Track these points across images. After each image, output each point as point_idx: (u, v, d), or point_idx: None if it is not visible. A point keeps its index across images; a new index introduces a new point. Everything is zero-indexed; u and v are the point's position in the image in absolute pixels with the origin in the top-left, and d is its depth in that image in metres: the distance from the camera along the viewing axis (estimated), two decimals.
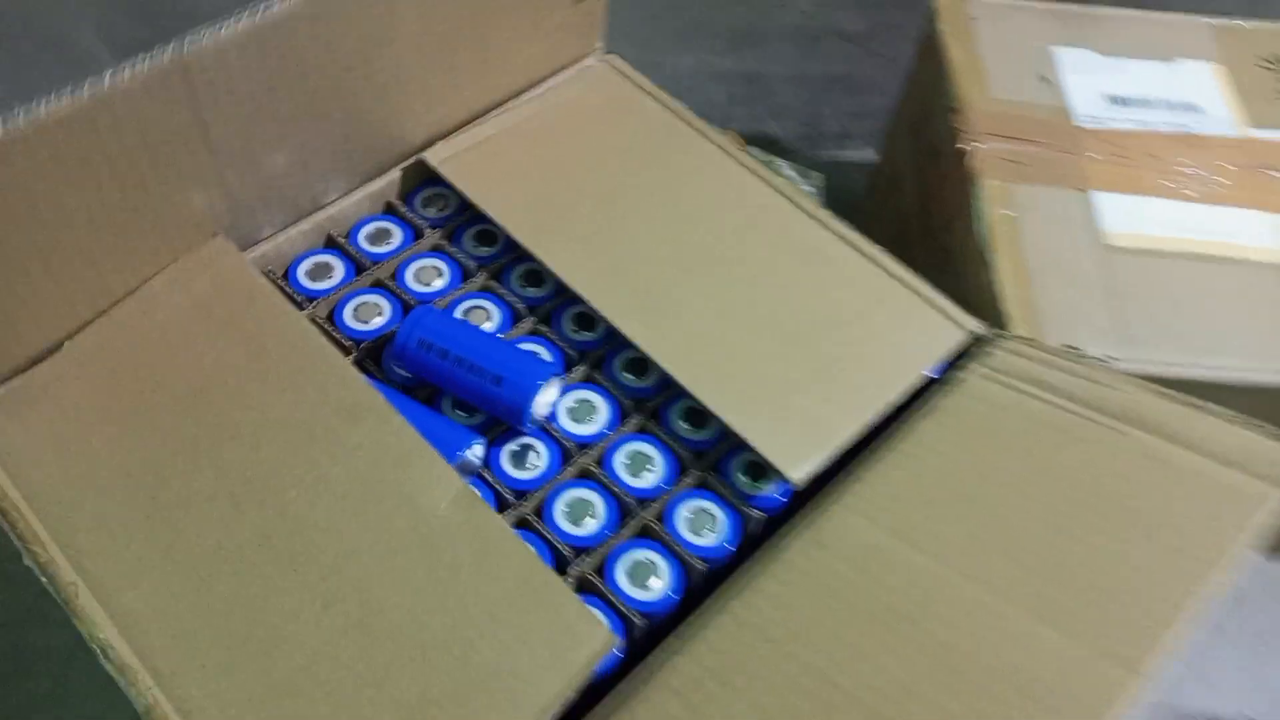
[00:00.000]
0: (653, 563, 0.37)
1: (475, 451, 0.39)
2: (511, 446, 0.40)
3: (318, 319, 0.42)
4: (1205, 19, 0.58)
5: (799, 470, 0.37)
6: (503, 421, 0.40)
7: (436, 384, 0.40)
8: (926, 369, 0.41)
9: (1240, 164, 0.51)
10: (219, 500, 0.35)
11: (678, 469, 0.40)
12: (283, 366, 0.38)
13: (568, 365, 0.43)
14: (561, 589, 0.33)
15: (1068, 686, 0.29)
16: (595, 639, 0.32)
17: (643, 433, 0.41)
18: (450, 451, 0.37)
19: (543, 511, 0.38)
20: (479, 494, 0.36)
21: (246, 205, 0.41)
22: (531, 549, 0.34)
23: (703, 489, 0.40)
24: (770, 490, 0.39)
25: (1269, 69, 0.55)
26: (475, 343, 0.40)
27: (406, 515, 0.34)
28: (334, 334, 0.42)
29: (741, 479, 0.40)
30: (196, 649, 0.32)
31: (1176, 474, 0.35)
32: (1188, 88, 0.54)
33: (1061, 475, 0.36)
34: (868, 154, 0.70)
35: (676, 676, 0.32)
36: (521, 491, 0.39)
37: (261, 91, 0.37)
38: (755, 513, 0.38)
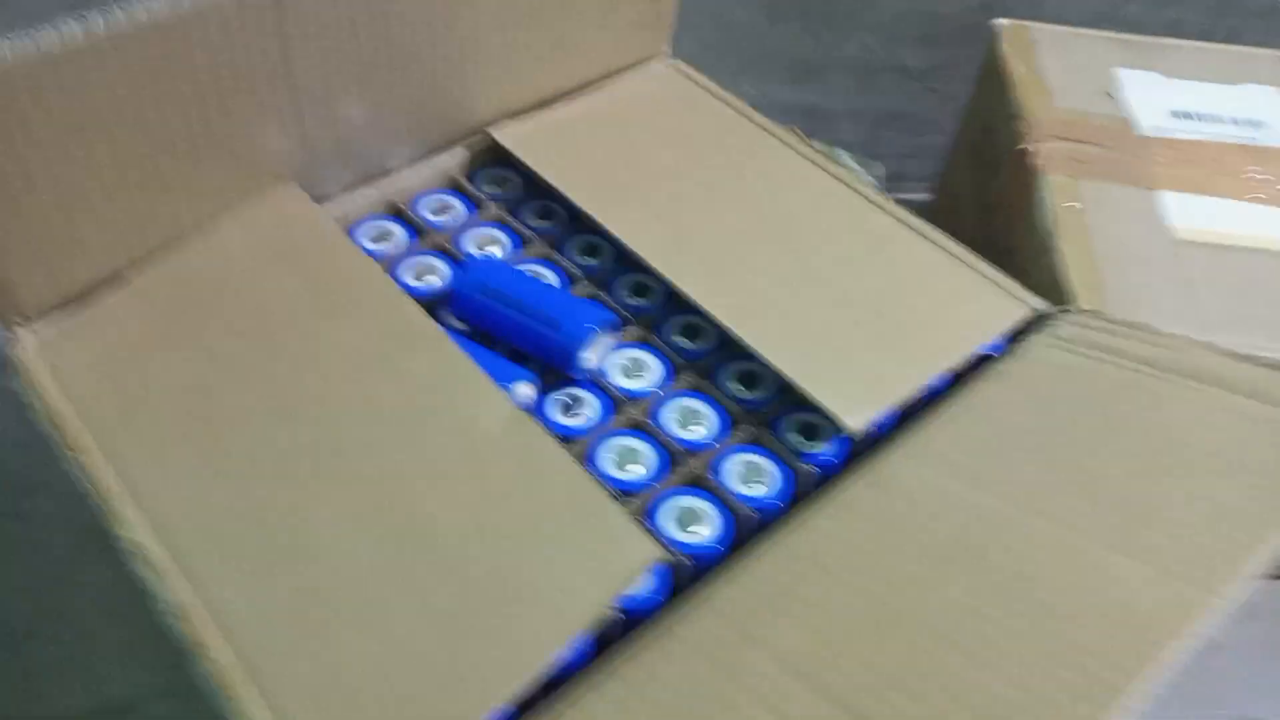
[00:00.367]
0: (700, 510, 0.36)
1: (523, 389, 0.38)
2: (561, 396, 0.39)
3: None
4: (1272, 50, 0.58)
5: (855, 418, 0.36)
6: (555, 370, 0.40)
7: (492, 331, 0.40)
8: (988, 342, 0.40)
9: None
10: (267, 417, 0.35)
11: (729, 426, 0.39)
12: (343, 300, 0.38)
13: (623, 327, 0.42)
14: (608, 506, 0.32)
15: (1142, 605, 0.27)
16: (638, 555, 0.31)
17: (695, 390, 0.40)
18: (500, 385, 0.37)
19: (589, 457, 0.37)
20: (532, 417, 0.35)
21: (319, 155, 0.42)
22: (581, 470, 0.33)
23: (755, 444, 0.38)
24: (825, 449, 0.38)
25: None
26: (531, 288, 0.40)
27: (456, 435, 0.34)
28: None
29: (795, 437, 0.39)
30: (233, 553, 0.32)
31: (1252, 423, 0.33)
32: (1253, 107, 0.54)
33: (1134, 426, 0.34)
34: (921, 195, 0.70)
35: (723, 602, 0.31)
36: (569, 438, 0.38)
37: (346, 29, 0.39)
38: (807, 468, 0.37)
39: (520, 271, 0.42)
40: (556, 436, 0.38)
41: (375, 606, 0.30)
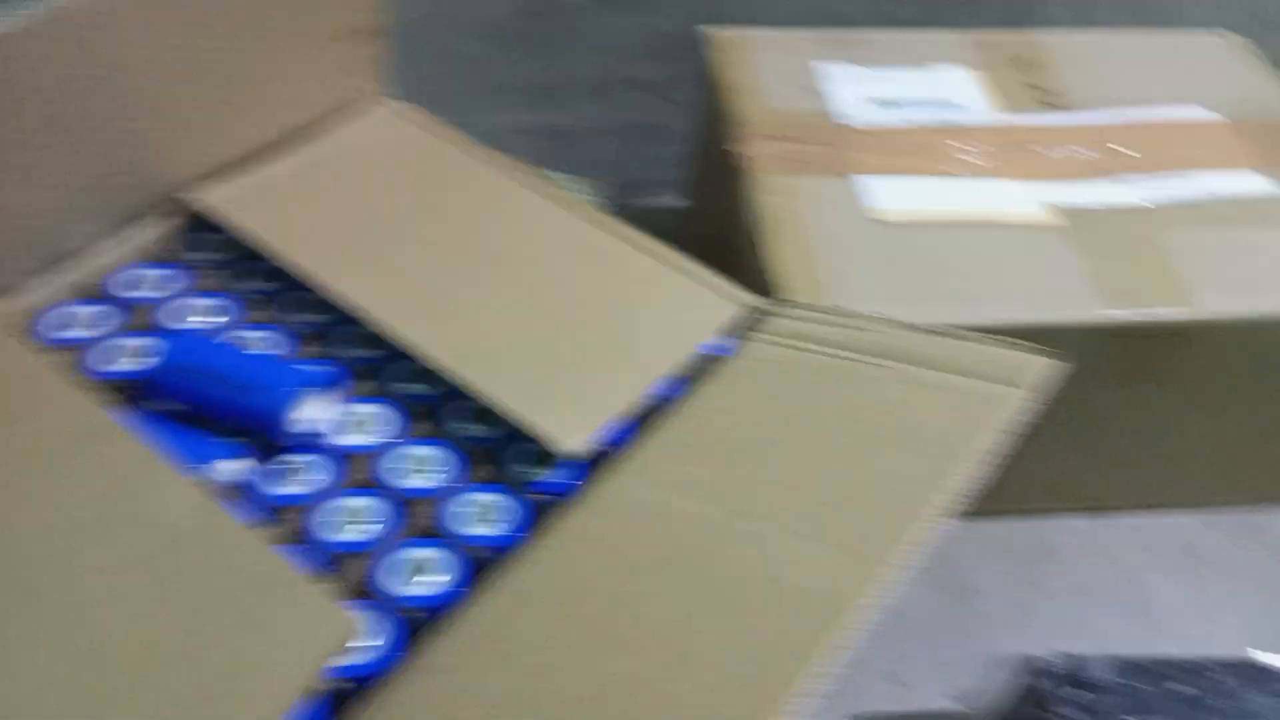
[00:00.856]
0: (431, 559, 0.35)
1: (230, 467, 0.36)
2: (275, 465, 0.38)
3: (72, 365, 0.40)
4: (961, 32, 0.62)
5: (573, 439, 0.36)
6: (272, 439, 0.38)
7: (199, 408, 0.38)
8: (703, 342, 0.41)
9: (998, 144, 0.53)
10: None
11: (467, 467, 0.39)
12: (16, 403, 0.35)
13: (351, 381, 0.41)
14: (303, 586, 0.31)
15: (820, 587, 0.29)
16: (337, 631, 0.30)
17: (428, 437, 0.40)
18: (199, 467, 0.35)
19: (313, 523, 0.36)
20: (220, 504, 0.33)
21: None
22: (274, 552, 0.32)
23: (491, 482, 0.38)
24: (559, 475, 0.38)
25: (1019, 67, 0.59)
26: (231, 358, 0.38)
27: (138, 534, 0.32)
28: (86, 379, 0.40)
29: (529, 468, 0.38)
30: None
31: (928, 391, 0.35)
32: (946, 88, 0.57)
33: (830, 412, 0.36)
34: (674, 202, 0.72)
35: (436, 655, 0.30)
36: (288, 508, 0.37)
37: (6, 106, 0.36)
38: (544, 498, 0.37)
39: (220, 343, 0.40)
40: (274, 507, 0.36)
41: None
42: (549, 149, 0.70)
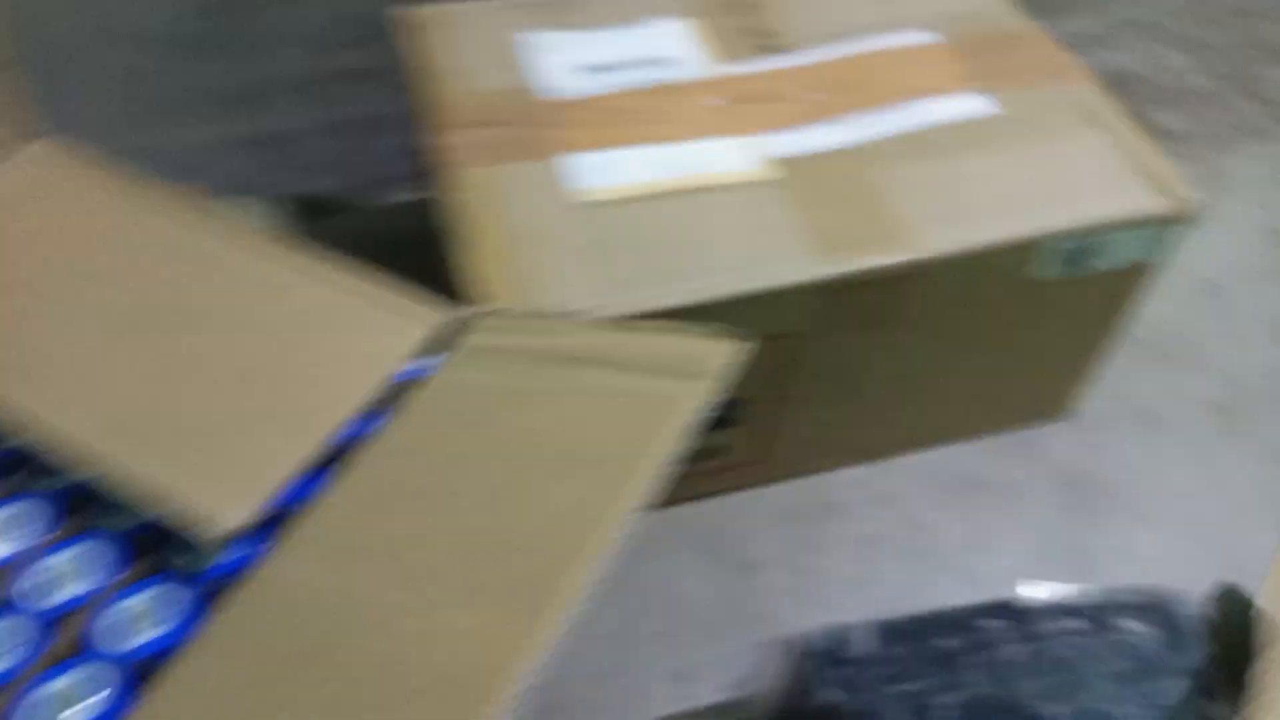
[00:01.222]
0: (82, 683, 0.31)
1: None
2: None
3: None
4: None
5: (230, 517, 0.32)
6: None
7: None
8: (394, 370, 0.37)
9: (713, 99, 0.51)
10: None
11: (129, 560, 0.34)
12: None
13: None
14: None
15: (466, 661, 0.26)
16: None
17: (82, 533, 0.35)
18: None
19: None
20: None
21: None
22: None
23: (151, 578, 0.33)
24: (238, 549, 0.34)
25: (734, 11, 0.56)
26: None
27: None
28: None
29: (200, 552, 0.34)
30: None
31: (609, 400, 0.33)
32: (658, 44, 0.54)
33: (508, 440, 0.33)
34: (421, 194, 0.67)
35: None
36: None
37: None
38: (219, 583, 0.33)
39: None
40: None
41: None
42: (264, 158, 0.64)
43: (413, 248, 0.45)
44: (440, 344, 0.38)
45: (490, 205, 0.44)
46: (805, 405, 0.51)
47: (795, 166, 0.47)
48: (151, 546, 0.34)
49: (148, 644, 0.32)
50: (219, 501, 0.33)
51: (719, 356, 0.33)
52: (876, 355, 0.49)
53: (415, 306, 0.39)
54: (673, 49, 0.54)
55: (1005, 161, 0.49)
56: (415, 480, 0.32)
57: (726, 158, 0.48)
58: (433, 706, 0.25)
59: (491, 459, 0.33)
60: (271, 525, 0.34)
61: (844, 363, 0.49)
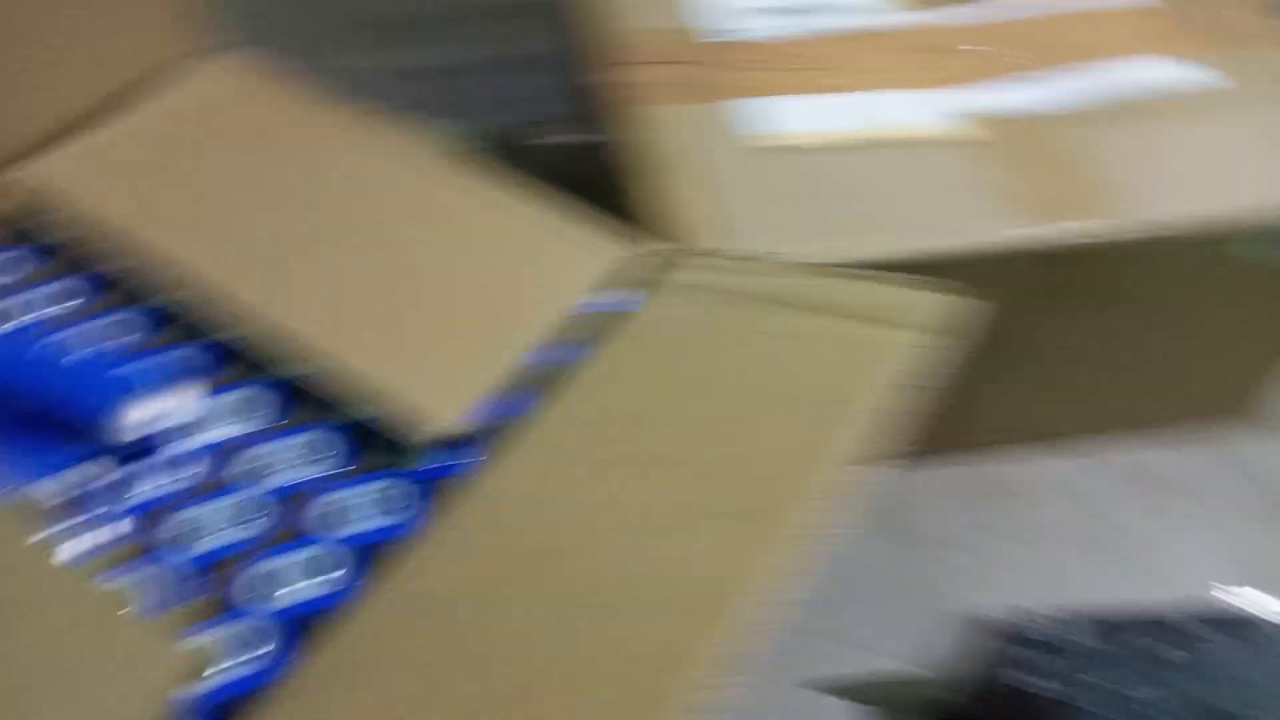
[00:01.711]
0: (314, 559, 0.31)
1: (70, 477, 0.32)
2: (134, 467, 0.33)
3: None
4: None
5: (438, 422, 0.32)
6: (106, 447, 0.34)
7: (31, 414, 0.34)
8: (578, 300, 0.37)
9: (900, 49, 0.49)
10: None
11: (350, 453, 0.34)
12: None
13: (218, 367, 0.37)
14: (130, 624, 0.27)
15: (712, 573, 0.26)
16: (174, 667, 0.26)
17: (306, 423, 0.35)
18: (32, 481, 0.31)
19: (178, 530, 0.32)
20: (38, 535, 0.29)
21: None
22: (98, 585, 0.28)
23: (377, 471, 0.34)
24: (452, 455, 0.34)
25: None
26: (41, 371, 0.34)
27: None
28: None
29: (420, 451, 0.34)
30: None
31: (818, 342, 0.33)
32: None
33: (730, 372, 0.33)
34: (575, 137, 0.66)
35: (317, 666, 0.27)
36: (155, 510, 0.32)
37: None
38: (440, 482, 0.33)
39: (33, 351, 0.36)
40: (136, 517, 0.32)
41: None
42: (422, 91, 0.64)
43: (573, 188, 0.45)
44: (630, 278, 0.38)
45: (673, 144, 0.43)
46: (989, 378, 0.48)
47: (990, 125, 0.45)
48: (373, 442, 0.35)
49: (370, 533, 0.32)
50: (426, 406, 0.33)
51: (930, 309, 0.32)
52: (1064, 330, 0.47)
53: (599, 239, 0.39)
54: None
55: (1215, 131, 0.46)
56: (632, 407, 0.32)
57: (914, 111, 0.46)
58: (666, 619, 0.25)
59: (706, 392, 0.33)
60: (482, 439, 0.34)
61: (1029, 336, 0.46)
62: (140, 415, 0.33)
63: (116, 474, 0.33)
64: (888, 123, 0.45)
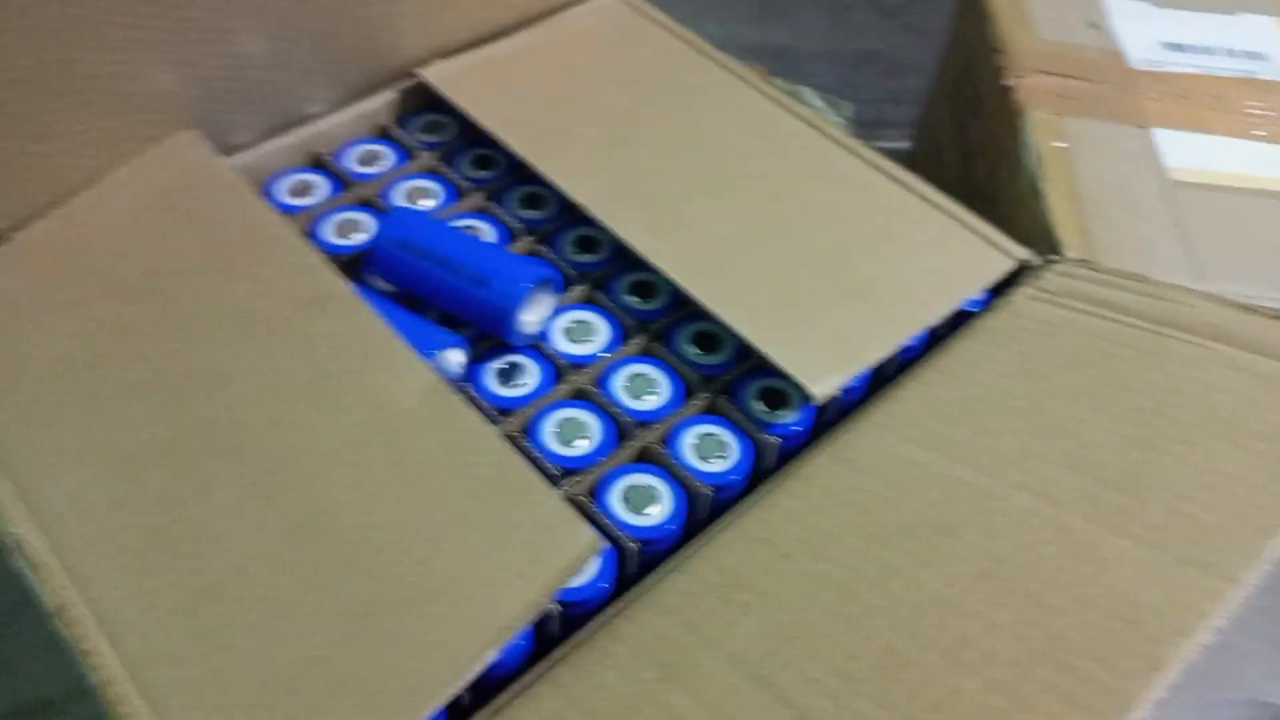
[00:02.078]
0: (652, 488, 0.32)
1: (453, 357, 0.34)
2: (498, 363, 0.35)
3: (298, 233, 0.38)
4: None
5: (822, 385, 0.33)
6: (490, 335, 0.36)
7: (419, 292, 0.36)
8: (969, 297, 0.36)
9: None
10: (158, 392, 0.31)
11: (684, 394, 0.35)
12: (244, 259, 0.34)
13: (567, 286, 0.38)
14: (541, 489, 0.29)
15: (1144, 595, 0.24)
16: (577, 544, 0.27)
17: (646, 355, 0.36)
18: (425, 352, 0.33)
19: (530, 430, 0.34)
20: (453, 389, 0.31)
21: (219, 94, 0.37)
22: (509, 447, 0.30)
23: (712, 414, 0.35)
24: (788, 418, 0.34)
25: None
26: (459, 243, 0.36)
27: (368, 409, 0.30)
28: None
29: (756, 406, 0.35)
30: (119, 547, 0.28)
31: (1258, 380, 0.30)
32: (1250, 38, 0.50)
33: (1131, 387, 0.30)
34: (900, 143, 0.66)
35: (671, 594, 0.27)
36: (507, 410, 0.34)
37: None
38: (771, 439, 0.34)
39: (448, 225, 0.38)
40: (493, 409, 0.34)
41: (277, 606, 0.27)
42: (771, 69, 0.65)
43: None
44: (1010, 283, 0.37)
45: (1066, 156, 0.43)
46: None
47: None
48: (706, 387, 0.35)
49: (708, 473, 0.33)
50: (809, 367, 0.33)
51: None
52: None
53: (998, 236, 0.38)
54: (1265, 46, 0.50)
55: None
56: (1011, 398, 0.31)
57: None
58: (1088, 637, 0.24)
59: (1096, 398, 0.30)
60: (815, 410, 0.34)
61: None
62: (534, 313, 0.35)
63: (501, 363, 0.35)
64: None
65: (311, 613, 0.26)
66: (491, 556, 0.27)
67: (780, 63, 0.66)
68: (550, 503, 0.28)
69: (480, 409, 0.34)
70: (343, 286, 0.33)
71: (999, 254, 0.37)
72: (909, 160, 0.63)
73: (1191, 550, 0.25)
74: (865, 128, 0.67)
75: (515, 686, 0.26)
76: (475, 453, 0.29)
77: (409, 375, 0.30)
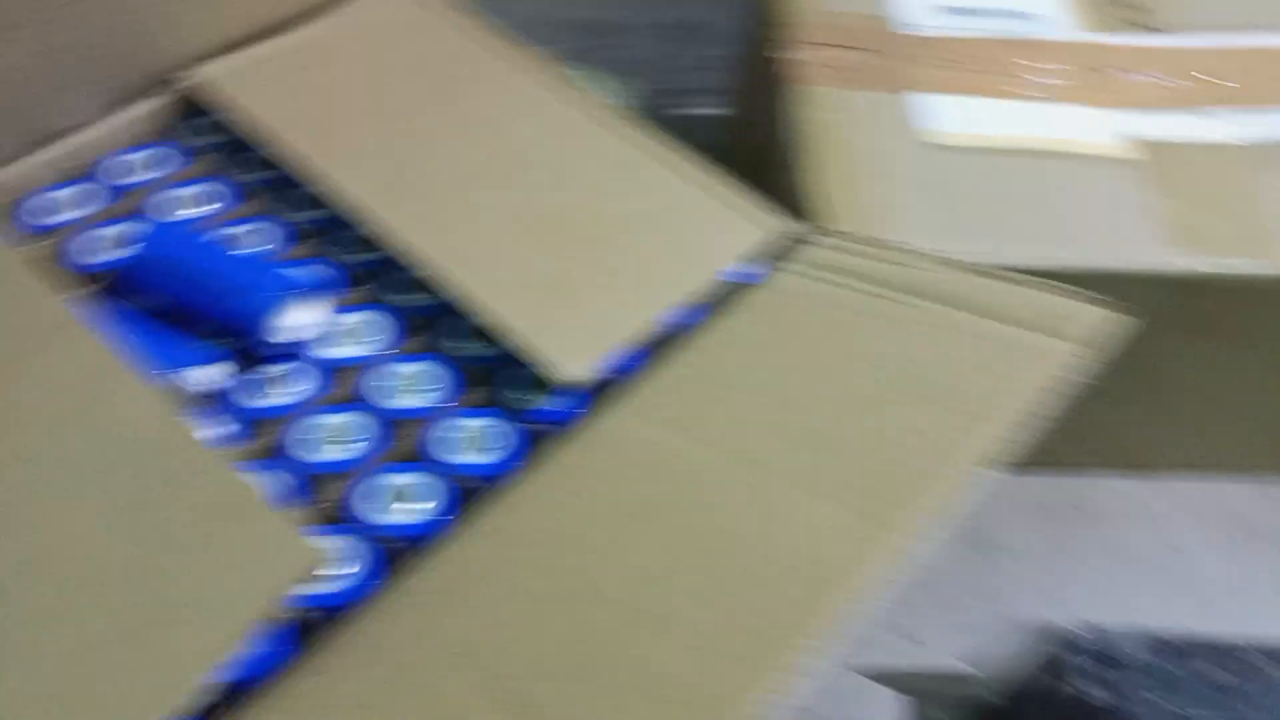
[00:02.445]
0: (414, 485, 0.33)
1: (205, 374, 0.34)
2: (254, 375, 0.35)
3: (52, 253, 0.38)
4: None
5: (575, 366, 0.33)
6: (251, 346, 0.36)
7: (177, 308, 0.36)
8: (725, 269, 0.37)
9: (1077, 65, 0.48)
10: None
11: (462, 387, 0.36)
12: None
13: (353, 285, 0.38)
14: (266, 511, 0.29)
15: (823, 549, 0.26)
16: (301, 560, 0.28)
17: (424, 352, 0.37)
18: (170, 372, 0.33)
19: (294, 438, 0.34)
20: (184, 416, 0.31)
21: None
22: (237, 472, 0.30)
23: (485, 407, 0.35)
24: (558, 402, 0.35)
25: None
26: (214, 257, 0.35)
27: (95, 440, 0.30)
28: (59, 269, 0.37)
29: (526, 393, 0.36)
30: None
31: (972, 341, 0.32)
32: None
33: (855, 355, 0.32)
34: (716, 110, 0.67)
35: (411, 594, 0.28)
36: (276, 418, 0.34)
37: None
38: (541, 426, 0.34)
39: (205, 239, 0.37)
40: (260, 418, 0.34)
41: (10, 642, 0.26)
42: (584, 45, 0.65)
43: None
44: (774, 253, 0.38)
45: (838, 127, 0.44)
46: (1092, 398, 0.48)
47: (1159, 151, 0.44)
48: (486, 379, 0.36)
49: (475, 465, 0.34)
50: (562, 350, 0.34)
51: (1089, 320, 0.32)
52: (1190, 364, 0.46)
53: (759, 209, 0.39)
54: (1039, 6, 0.51)
55: None
56: (753, 373, 0.33)
57: (1085, 128, 0.45)
58: (780, 581, 0.25)
59: (834, 368, 0.32)
60: (593, 391, 0.35)
61: (1154, 365, 0.46)
62: (293, 320, 0.35)
63: (256, 374, 0.35)
64: (1055, 134, 0.45)
65: (37, 648, 0.26)
66: (220, 580, 0.27)
67: (598, 36, 0.66)
68: (275, 525, 0.28)
69: (235, 423, 0.34)
70: (70, 316, 0.32)
71: (756, 226, 0.39)
72: (724, 127, 0.65)
73: (867, 504, 0.27)
74: (676, 95, 0.67)
75: (257, 695, 0.27)
76: (203, 478, 0.29)
77: (136, 404, 0.30)
